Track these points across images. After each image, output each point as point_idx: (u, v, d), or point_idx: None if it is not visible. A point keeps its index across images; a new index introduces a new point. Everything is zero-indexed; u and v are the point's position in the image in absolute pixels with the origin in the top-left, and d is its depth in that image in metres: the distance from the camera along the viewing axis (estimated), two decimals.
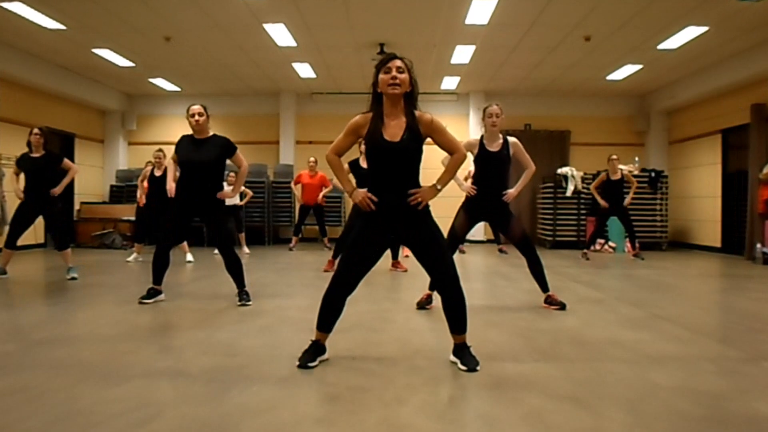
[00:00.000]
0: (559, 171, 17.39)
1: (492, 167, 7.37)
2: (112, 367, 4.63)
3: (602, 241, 14.79)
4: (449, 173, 4.88)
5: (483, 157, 7.35)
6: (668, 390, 4.18)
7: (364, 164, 10.43)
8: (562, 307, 7.29)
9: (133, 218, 16.79)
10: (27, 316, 6.86)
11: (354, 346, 4.78)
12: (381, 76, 4.59)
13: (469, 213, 7.49)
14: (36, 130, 9.69)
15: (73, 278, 9.66)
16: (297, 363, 4.67)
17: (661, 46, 13.64)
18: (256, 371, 4.57)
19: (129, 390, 4.08)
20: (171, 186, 7.86)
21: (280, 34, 13.09)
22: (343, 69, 16.30)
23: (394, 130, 4.60)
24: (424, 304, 7.30)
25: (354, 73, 16.57)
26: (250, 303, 7.48)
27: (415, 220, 4.66)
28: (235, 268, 7.61)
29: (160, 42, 13.64)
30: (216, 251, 14.16)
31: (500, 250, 15.26)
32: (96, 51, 14.41)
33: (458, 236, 7.53)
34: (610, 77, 16.74)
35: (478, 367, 4.59)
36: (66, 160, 9.95)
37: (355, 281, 4.76)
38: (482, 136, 7.43)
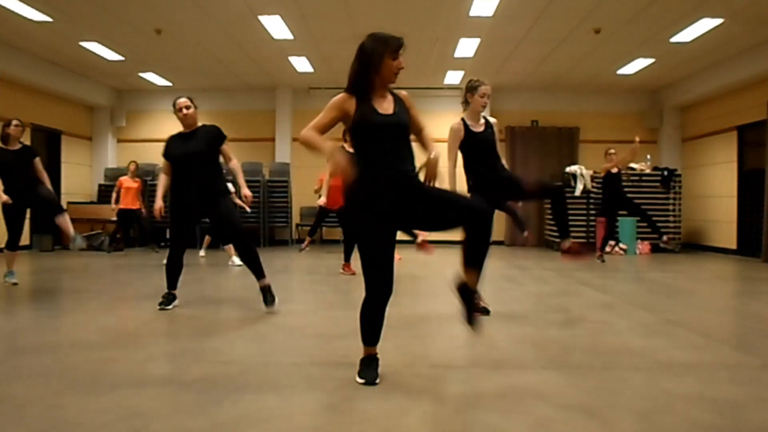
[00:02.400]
0: (568, 169, 17.37)
1: (484, 146, 7.09)
2: (99, 376, 4.61)
3: (612, 242, 14.79)
4: (431, 144, 4.76)
5: (471, 139, 7.05)
6: (682, 399, 4.16)
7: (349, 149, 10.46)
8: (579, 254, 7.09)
9: None
10: (9, 321, 6.86)
11: (352, 354, 4.75)
12: (388, 60, 4.59)
13: (484, 195, 7.05)
14: (16, 121, 9.50)
15: (82, 249, 9.53)
16: (362, 381, 4.45)
17: (674, 39, 13.62)
18: (251, 380, 4.55)
19: (116, 400, 4.06)
20: (159, 205, 7.67)
21: (275, 26, 13.09)
22: (341, 62, 16.22)
23: (385, 105, 4.58)
24: (483, 309, 7.11)
25: None
26: (275, 304, 7.37)
27: (414, 189, 4.54)
28: (248, 256, 7.48)
29: (150, 35, 13.62)
30: (202, 253, 14.19)
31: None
32: (84, 44, 14.40)
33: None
34: (620, 71, 16.73)
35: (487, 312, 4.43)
36: (38, 161, 9.59)
37: (390, 281, 4.50)
38: (463, 118, 7.12)
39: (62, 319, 7.03)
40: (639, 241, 16.22)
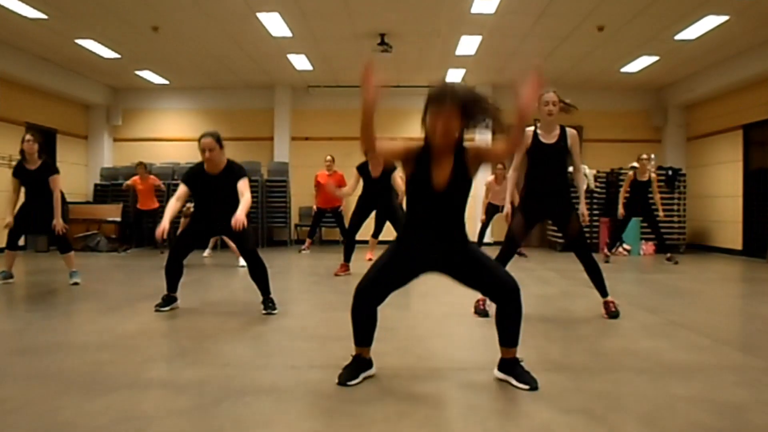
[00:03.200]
0: (571, 169, 17.33)
1: (548, 161, 7.15)
2: (96, 378, 4.62)
3: (621, 212, 14.75)
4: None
5: (538, 150, 7.10)
6: (687, 401, 4.16)
7: (373, 172, 10.64)
8: (614, 316, 7.15)
9: (119, 219, 16.84)
10: (5, 323, 6.86)
11: (350, 355, 4.75)
12: (430, 121, 4.40)
13: (528, 213, 7.18)
14: (28, 136, 9.45)
15: (76, 283, 9.54)
16: (336, 381, 4.51)
17: (678, 37, 13.62)
18: (249, 382, 4.55)
19: (113, 402, 4.07)
20: (165, 226, 7.60)
21: (274, 23, 13.09)
22: (341, 60, 16.30)
23: (442, 174, 4.39)
24: (483, 311, 7.13)
25: (353, 65, 16.56)
26: (275, 312, 7.35)
27: (459, 251, 4.50)
28: (259, 274, 7.50)
29: (147, 32, 13.62)
30: (206, 254, 14.19)
31: (519, 253, 15.15)
32: (79, 41, 14.41)
33: (517, 240, 7.23)
34: (624, 69, 16.74)
35: (538, 386, 4.38)
36: (55, 178, 9.54)
37: (380, 300, 4.57)
38: (536, 127, 7.19)
39: (59, 321, 7.02)
40: (643, 241, 16.21)
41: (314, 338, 6.11)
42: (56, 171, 9.61)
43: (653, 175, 13.76)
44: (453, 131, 4.32)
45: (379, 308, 4.57)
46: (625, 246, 15.92)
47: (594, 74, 17.32)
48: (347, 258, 11.19)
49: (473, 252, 4.55)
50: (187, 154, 18.62)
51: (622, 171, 16.83)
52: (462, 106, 4.28)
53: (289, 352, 5.55)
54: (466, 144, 4.46)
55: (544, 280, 10.75)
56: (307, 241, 16.17)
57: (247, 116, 19.56)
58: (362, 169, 10.91)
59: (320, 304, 8.35)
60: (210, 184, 7.41)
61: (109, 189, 18.56)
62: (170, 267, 7.56)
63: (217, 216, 7.34)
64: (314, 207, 15.80)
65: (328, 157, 15.62)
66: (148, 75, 17.99)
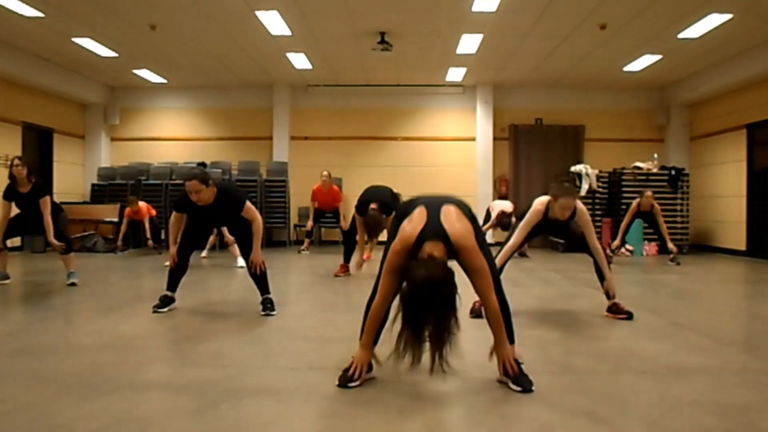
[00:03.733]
0: (573, 169, 17.37)
1: (554, 230, 7.52)
2: (93, 380, 4.62)
3: (617, 243, 14.77)
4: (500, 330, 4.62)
5: (547, 222, 7.25)
6: (691, 404, 4.16)
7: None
8: (629, 316, 7.18)
9: (116, 219, 16.82)
10: (2, 324, 6.85)
11: (351, 357, 4.75)
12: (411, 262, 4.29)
13: (535, 229, 7.39)
14: (16, 161, 9.30)
15: (73, 284, 9.54)
16: (336, 382, 4.52)
17: (681, 35, 13.60)
18: (248, 384, 4.55)
19: (111, 403, 4.07)
20: (173, 252, 7.62)
21: (273, 21, 13.07)
22: (341, 59, 16.29)
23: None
24: (479, 312, 7.11)
25: (353, 64, 16.57)
26: (274, 313, 7.35)
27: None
28: (260, 276, 7.52)
29: (145, 30, 13.60)
30: (204, 254, 14.19)
31: (521, 254, 15.10)
32: (76, 40, 14.38)
33: (515, 248, 7.41)
34: (627, 68, 16.71)
35: (533, 388, 4.39)
36: (44, 201, 9.38)
37: (395, 295, 4.51)
38: (548, 207, 7.22)
39: (55, 322, 7.02)
40: (646, 242, 16.20)
41: (314, 339, 6.11)
42: (46, 192, 9.49)
43: (657, 206, 13.74)
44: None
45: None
46: (627, 247, 15.90)
47: (596, 73, 17.31)
48: (347, 259, 11.19)
49: (475, 250, 4.50)
50: (186, 154, 18.69)
51: (625, 171, 16.85)
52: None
53: (289, 353, 5.55)
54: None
55: (545, 280, 10.76)
56: (306, 241, 16.17)
57: (245, 115, 19.53)
58: (362, 211, 10.66)
59: (320, 305, 8.35)
60: (203, 213, 7.43)
61: (106, 189, 18.46)
62: (175, 265, 7.60)
63: (217, 222, 7.38)
64: (314, 203, 15.76)
65: (325, 173, 15.46)
66: (145, 74, 17.95)
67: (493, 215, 15.05)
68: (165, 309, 7.47)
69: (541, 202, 7.26)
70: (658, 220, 13.65)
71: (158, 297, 7.54)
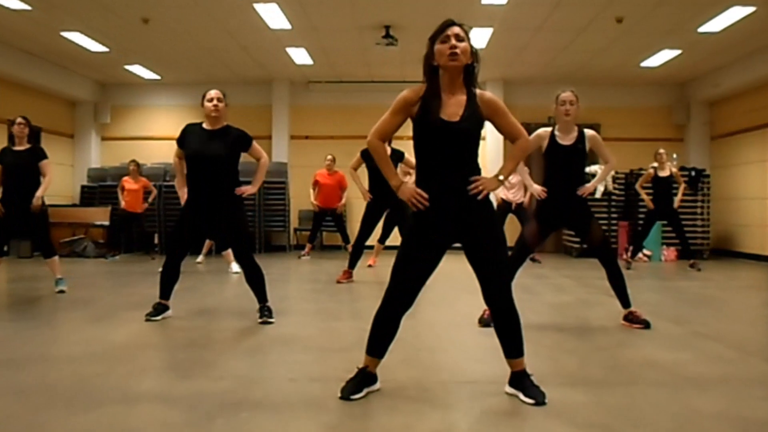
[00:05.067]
0: (588, 169, 17.30)
1: (566, 163, 7.29)
2: (82, 391, 4.62)
3: (633, 247, 14.74)
4: (513, 161, 4.76)
5: (555, 151, 7.24)
6: (711, 417, 4.15)
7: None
8: (647, 325, 7.15)
9: (107, 223, 16.83)
10: None
11: (355, 368, 4.74)
12: (438, 46, 4.44)
13: (543, 219, 7.36)
14: (20, 119, 9.56)
15: (62, 291, 9.51)
16: (339, 395, 4.49)
17: (702, 29, 13.60)
18: (245, 396, 4.55)
19: (101, 417, 4.07)
20: (182, 193, 7.67)
21: (272, 14, 13.08)
22: (343, 54, 16.30)
23: (452, 108, 4.45)
24: (488, 321, 7.09)
25: (356, 60, 16.58)
26: (272, 320, 7.35)
27: (473, 213, 4.48)
28: (256, 280, 7.52)
29: (137, 24, 13.61)
30: (199, 260, 14.19)
31: (532, 258, 15.07)
32: (65, 34, 14.42)
33: (529, 247, 7.45)
34: (644, 63, 16.72)
35: (546, 400, 4.38)
36: (45, 163, 9.56)
37: (412, 295, 4.57)
38: (553, 128, 7.30)
39: (42, 331, 7.02)
40: (664, 246, 16.19)
41: (314, 349, 6.12)
42: (46, 156, 9.62)
43: (674, 169, 13.73)
44: (466, 51, 4.41)
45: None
46: (645, 252, 15.88)
47: (612, 69, 17.30)
48: (352, 265, 11.18)
49: (492, 222, 4.57)
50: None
51: (642, 172, 16.80)
52: (469, 38, 4.49)
53: (288, 363, 5.55)
54: (477, 91, 4.57)
55: (559, 287, 10.75)
56: (308, 246, 16.18)
57: (243, 113, 19.33)
58: (367, 156, 10.81)
59: (321, 313, 8.33)
60: (204, 140, 7.48)
61: (96, 191, 18.48)
62: (166, 271, 7.57)
63: (207, 198, 7.31)
64: (315, 205, 15.75)
65: (329, 157, 15.69)
66: (138, 70, 17.99)
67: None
68: (158, 317, 7.46)
69: (542, 129, 7.36)
70: (678, 180, 13.64)
71: (151, 305, 7.55)
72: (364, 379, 4.61)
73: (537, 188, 7.51)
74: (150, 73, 18.37)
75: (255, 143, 7.82)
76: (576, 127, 7.27)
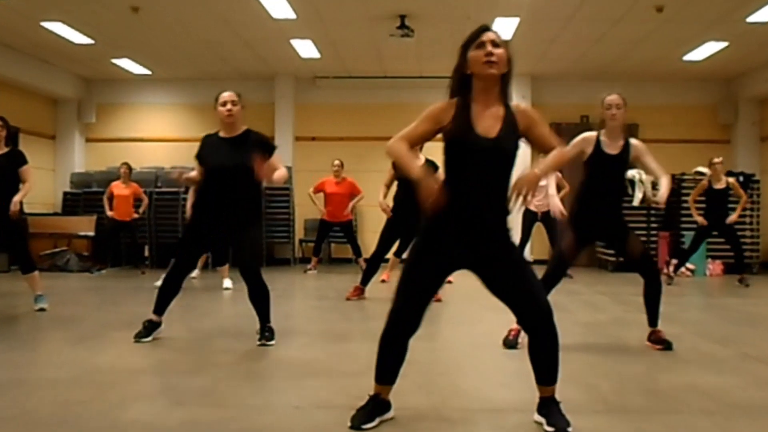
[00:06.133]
0: (632, 176, 17.28)
1: (609, 173, 7.29)
2: (65, 420, 4.63)
3: (676, 261, 14.71)
4: (554, 162, 4.69)
5: (599, 160, 7.23)
6: None
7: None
8: (668, 346, 7.18)
9: (92, 233, 16.84)
10: None
11: (365, 394, 4.73)
12: (472, 53, 4.43)
13: (580, 231, 7.30)
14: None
15: (42, 309, 9.46)
16: (349, 424, 4.47)
17: (751, 19, 13.57)
18: (246, 426, 4.55)
19: None
20: (192, 175, 7.72)
21: (274, 2, 13.11)
22: (353, 47, 16.32)
23: (488, 122, 4.41)
24: (513, 343, 7.10)
25: (367, 53, 16.60)
26: (272, 343, 7.30)
27: (491, 246, 4.46)
28: (260, 298, 7.48)
29: (125, 13, 13.62)
30: (195, 274, 14.19)
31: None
32: (45, 24, 14.45)
33: (567, 262, 7.46)
34: (687, 57, 16.70)
35: (569, 429, 4.37)
36: (26, 168, 9.61)
37: (418, 316, 4.53)
38: (599, 134, 7.28)
39: (21, 353, 7.04)
40: (709, 260, 16.14)
41: (321, 374, 6.12)
42: (26, 161, 9.65)
43: (731, 180, 13.71)
44: (503, 59, 4.40)
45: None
46: (688, 266, 15.82)
47: (651, 63, 17.28)
48: (365, 281, 11.13)
49: (515, 250, 4.59)
50: (173, 157, 18.63)
51: (685, 177, 16.75)
52: (507, 44, 4.47)
53: (293, 390, 5.56)
54: (512, 103, 4.55)
55: (593, 305, 10.74)
56: (313, 259, 16.14)
57: (243, 112, 19.46)
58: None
59: (328, 334, 8.34)
60: (221, 151, 7.44)
61: (80, 198, 18.44)
62: (167, 285, 7.49)
63: (222, 213, 7.32)
64: (322, 212, 15.68)
65: (336, 162, 15.55)
66: (126, 64, 18.04)
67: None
68: (149, 338, 7.40)
69: (588, 133, 7.32)
70: (737, 192, 13.63)
71: (141, 323, 7.50)
72: (376, 406, 4.59)
73: (557, 207, 7.54)
74: (140, 67, 18.42)
75: (276, 153, 7.68)
76: (623, 134, 7.25)
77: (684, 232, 15.38)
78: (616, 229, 7.37)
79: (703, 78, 18.85)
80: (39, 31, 14.81)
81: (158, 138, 19.50)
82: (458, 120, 4.43)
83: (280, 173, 7.56)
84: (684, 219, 15.48)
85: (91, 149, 20.20)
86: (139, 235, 16.39)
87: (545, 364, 4.53)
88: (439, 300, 11.14)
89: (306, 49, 16.51)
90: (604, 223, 7.30)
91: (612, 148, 7.18)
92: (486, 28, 4.46)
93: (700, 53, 16.29)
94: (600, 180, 7.29)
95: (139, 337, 7.38)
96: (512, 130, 4.42)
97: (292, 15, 13.77)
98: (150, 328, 7.47)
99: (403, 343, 4.56)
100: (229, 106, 7.51)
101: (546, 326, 4.48)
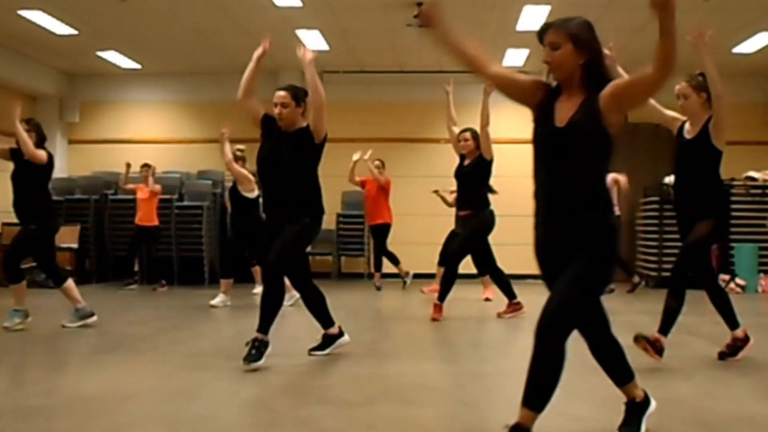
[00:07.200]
0: (667, 180, 17.24)
1: (680, 158, 7.63)
2: None
3: (726, 277, 14.68)
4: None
5: (677, 143, 7.56)
6: None
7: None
8: (658, 353, 7.37)
9: (75, 246, 16.86)
10: None
11: (383, 425, 4.74)
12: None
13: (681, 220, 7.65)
14: None
15: (7, 328, 9.48)
16: None
17: None
18: None
19: None
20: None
21: None
22: (365, 38, 16.33)
23: (563, 112, 4.42)
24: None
25: (381, 44, 16.61)
26: (258, 364, 7.12)
27: (573, 238, 4.42)
28: (316, 302, 7.69)
29: (112, 1, 13.69)
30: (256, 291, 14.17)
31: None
32: (23, 13, 14.49)
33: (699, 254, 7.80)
34: (737, 49, 16.70)
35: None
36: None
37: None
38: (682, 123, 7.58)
39: None
40: (762, 274, 16.09)
41: (331, 402, 6.09)
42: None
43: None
44: (563, 62, 4.47)
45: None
46: (738, 281, 15.78)
47: (697, 55, 17.21)
48: (443, 297, 10.83)
49: (590, 249, 4.43)
50: (165, 161, 18.64)
51: (735, 183, 16.69)
52: (572, 36, 4.56)
53: (298, 420, 5.56)
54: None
55: (632, 326, 10.66)
56: (376, 275, 16.02)
57: (242, 111, 19.48)
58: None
59: (339, 357, 8.14)
60: (277, 142, 7.77)
61: (62, 206, 18.05)
62: (275, 294, 7.44)
63: (276, 205, 7.40)
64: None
65: (377, 162, 15.87)
66: (113, 57, 18.10)
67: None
68: (260, 361, 7.15)
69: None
70: None
71: (246, 342, 7.29)
72: None
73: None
74: (128, 60, 18.47)
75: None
76: (707, 116, 7.54)
77: (734, 244, 15.33)
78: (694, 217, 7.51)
79: (754, 72, 18.81)
80: (16, 20, 14.84)
81: (149, 139, 19.49)
82: (541, 107, 4.51)
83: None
84: (737, 230, 15.43)
85: (74, 151, 20.23)
86: (159, 248, 16.49)
87: (539, 382, 4.61)
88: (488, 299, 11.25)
89: (313, 40, 16.51)
90: (685, 212, 7.61)
91: (689, 133, 7.57)
92: (545, 29, 4.57)
93: (751, 45, 16.30)
94: (676, 160, 7.73)
95: (249, 361, 7.10)
96: (589, 117, 4.34)
97: (297, 2, 13.82)
98: (261, 348, 7.21)
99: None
100: (278, 110, 7.85)
101: (539, 339, 4.53)
